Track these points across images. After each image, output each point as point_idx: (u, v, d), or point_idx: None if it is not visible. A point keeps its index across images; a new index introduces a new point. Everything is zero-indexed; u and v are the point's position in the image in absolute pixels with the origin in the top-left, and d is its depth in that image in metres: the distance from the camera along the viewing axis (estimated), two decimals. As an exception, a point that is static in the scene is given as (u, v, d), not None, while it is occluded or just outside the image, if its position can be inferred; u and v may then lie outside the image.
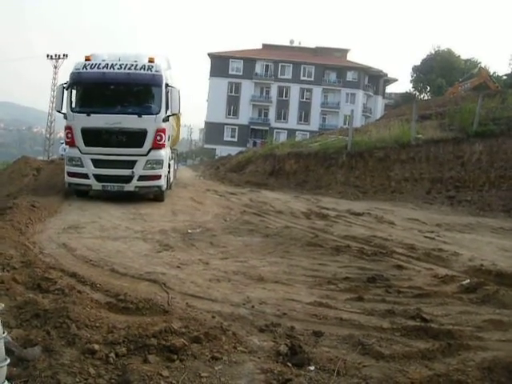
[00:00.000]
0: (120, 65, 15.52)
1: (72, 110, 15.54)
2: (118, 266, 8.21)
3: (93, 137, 15.38)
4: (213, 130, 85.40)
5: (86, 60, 15.70)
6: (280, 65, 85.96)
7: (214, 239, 10.96)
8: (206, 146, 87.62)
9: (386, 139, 23.33)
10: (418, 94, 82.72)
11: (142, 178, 15.57)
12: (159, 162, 15.78)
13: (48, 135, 76.83)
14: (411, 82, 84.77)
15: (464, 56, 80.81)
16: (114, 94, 16.01)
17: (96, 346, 4.62)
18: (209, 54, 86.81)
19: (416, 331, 5.58)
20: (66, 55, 75.11)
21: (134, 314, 5.72)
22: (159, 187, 15.96)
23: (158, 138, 15.53)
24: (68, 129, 15.75)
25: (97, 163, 15.40)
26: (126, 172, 15.43)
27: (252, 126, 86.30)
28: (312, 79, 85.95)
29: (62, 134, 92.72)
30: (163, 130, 15.69)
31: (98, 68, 15.46)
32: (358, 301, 6.84)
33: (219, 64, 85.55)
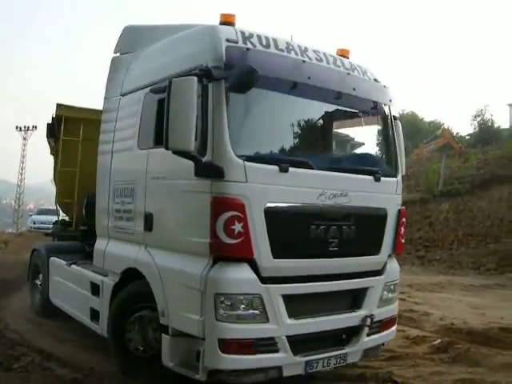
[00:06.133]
0: (324, 56, 6.14)
1: (237, 152, 5.08)
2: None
3: (294, 232, 5.49)
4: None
5: (226, 23, 5.50)
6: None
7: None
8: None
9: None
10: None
11: (377, 326, 6.18)
12: (395, 288, 6.70)
13: (17, 207, 75.81)
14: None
15: (427, 118, 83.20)
16: (321, 117, 6.53)
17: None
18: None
19: (388, 395, 5.54)
20: (35, 127, 73.49)
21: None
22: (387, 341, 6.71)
23: (403, 229, 6.93)
24: (226, 206, 5.05)
25: (297, 305, 5.46)
26: (348, 319, 5.93)
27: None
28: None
29: (31, 205, 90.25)
30: (405, 212, 7.18)
31: (287, 50, 5.74)
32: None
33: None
